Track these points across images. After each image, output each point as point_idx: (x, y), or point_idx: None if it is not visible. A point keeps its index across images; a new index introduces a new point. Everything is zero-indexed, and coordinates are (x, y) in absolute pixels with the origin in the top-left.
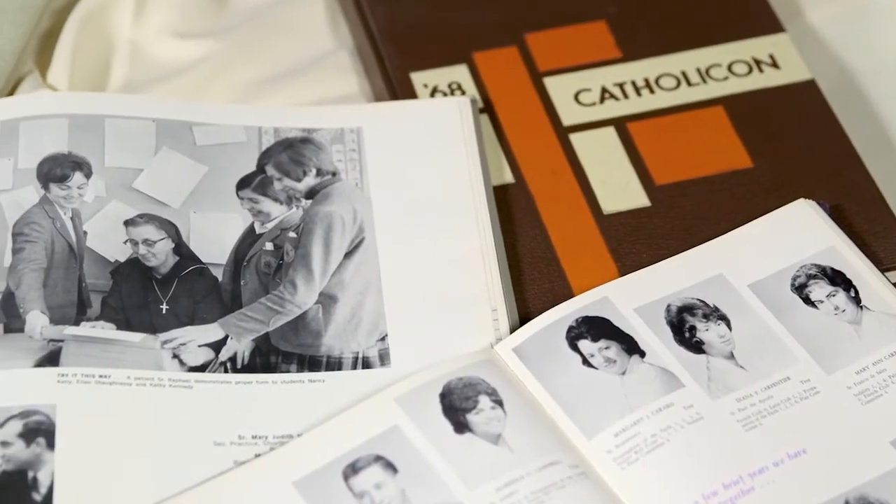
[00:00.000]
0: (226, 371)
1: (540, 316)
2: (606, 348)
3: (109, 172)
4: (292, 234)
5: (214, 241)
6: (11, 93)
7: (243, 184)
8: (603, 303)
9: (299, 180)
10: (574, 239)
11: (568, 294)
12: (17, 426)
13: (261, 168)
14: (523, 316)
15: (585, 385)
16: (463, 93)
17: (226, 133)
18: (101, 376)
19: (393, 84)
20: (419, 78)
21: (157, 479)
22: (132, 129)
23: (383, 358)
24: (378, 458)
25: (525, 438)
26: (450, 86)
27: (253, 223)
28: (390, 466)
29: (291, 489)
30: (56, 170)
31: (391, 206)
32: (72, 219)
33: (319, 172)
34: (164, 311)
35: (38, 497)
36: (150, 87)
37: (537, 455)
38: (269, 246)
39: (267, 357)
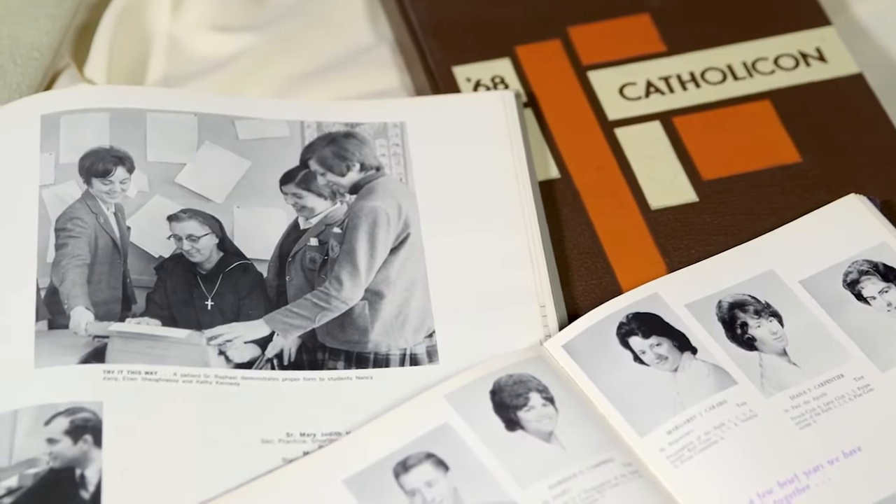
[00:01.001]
0: (272, 368)
1: (590, 312)
2: (658, 345)
3: (152, 167)
4: (337, 230)
5: (258, 237)
6: (49, 87)
7: (287, 179)
8: (653, 299)
9: (343, 175)
10: (621, 234)
11: (616, 290)
12: (63, 423)
13: (304, 163)
14: (571, 312)
15: (637, 382)
16: (506, 87)
17: (268, 127)
18: (147, 373)
19: (435, 78)
20: (462, 72)
21: (205, 476)
22: (174, 124)
23: (431, 355)
24: (429, 456)
25: (577, 436)
26: (493, 80)
27: (297, 218)
28: (441, 464)
29: (342, 487)
30: (98, 164)
31: (436, 201)
32: (115, 214)
33: (363, 167)
34: (209, 308)
35: (86, 495)
36: (188, 81)
37: (590, 453)
38: (313, 241)
39: (314, 354)
